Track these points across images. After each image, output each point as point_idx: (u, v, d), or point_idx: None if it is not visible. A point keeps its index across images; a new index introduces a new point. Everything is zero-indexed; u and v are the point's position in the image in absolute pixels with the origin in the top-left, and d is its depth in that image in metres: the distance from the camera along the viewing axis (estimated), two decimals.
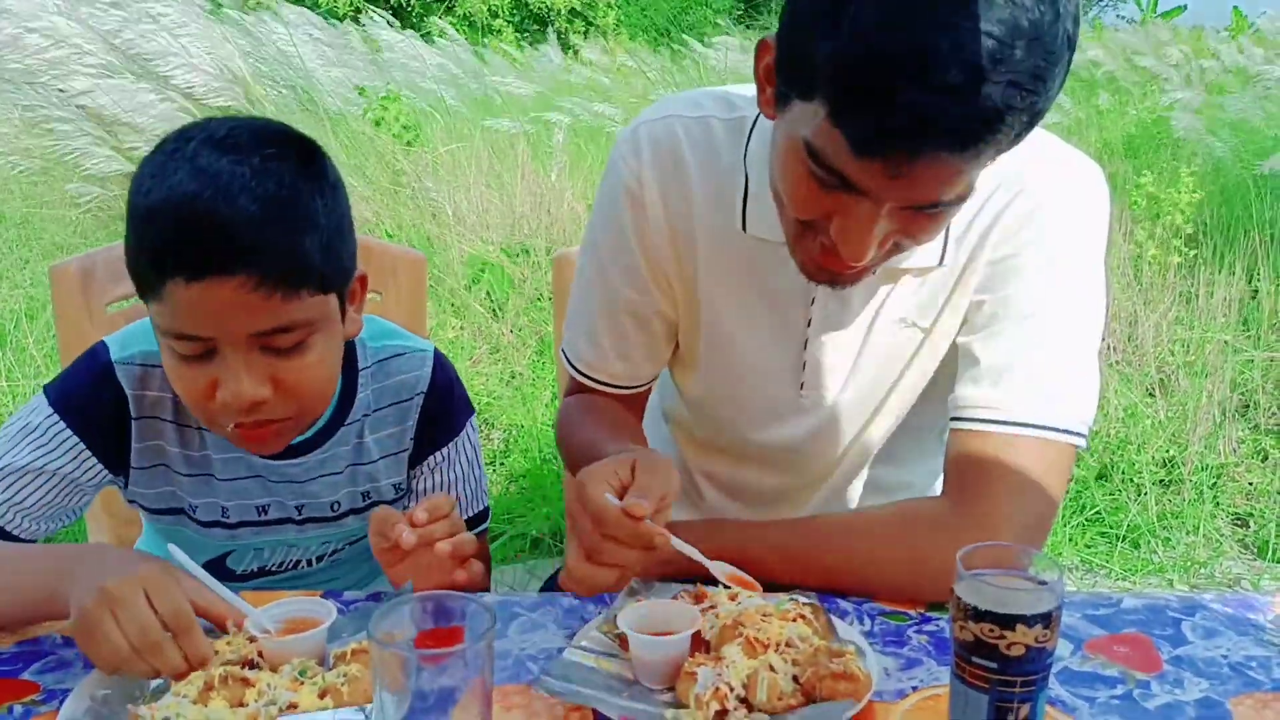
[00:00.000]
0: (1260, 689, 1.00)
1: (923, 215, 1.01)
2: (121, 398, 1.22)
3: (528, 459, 3.76)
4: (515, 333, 4.78)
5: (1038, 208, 1.18)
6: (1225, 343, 4.32)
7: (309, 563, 1.39)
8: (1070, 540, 3.30)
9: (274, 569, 1.38)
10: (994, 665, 0.85)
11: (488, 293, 5.11)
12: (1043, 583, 0.87)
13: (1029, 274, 1.18)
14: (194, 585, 1.03)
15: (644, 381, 1.44)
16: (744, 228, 1.24)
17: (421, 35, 9.64)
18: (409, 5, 16.15)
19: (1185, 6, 16.65)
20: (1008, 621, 0.83)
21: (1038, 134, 1.19)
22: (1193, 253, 4.91)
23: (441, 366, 1.36)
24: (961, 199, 1.00)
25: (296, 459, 1.29)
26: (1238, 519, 3.47)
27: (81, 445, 1.21)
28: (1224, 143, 6.43)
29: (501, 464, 3.77)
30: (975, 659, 0.85)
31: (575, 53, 11.70)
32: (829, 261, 1.07)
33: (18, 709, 0.97)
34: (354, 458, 1.33)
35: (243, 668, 0.96)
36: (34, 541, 1.21)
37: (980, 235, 1.20)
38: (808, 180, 1.00)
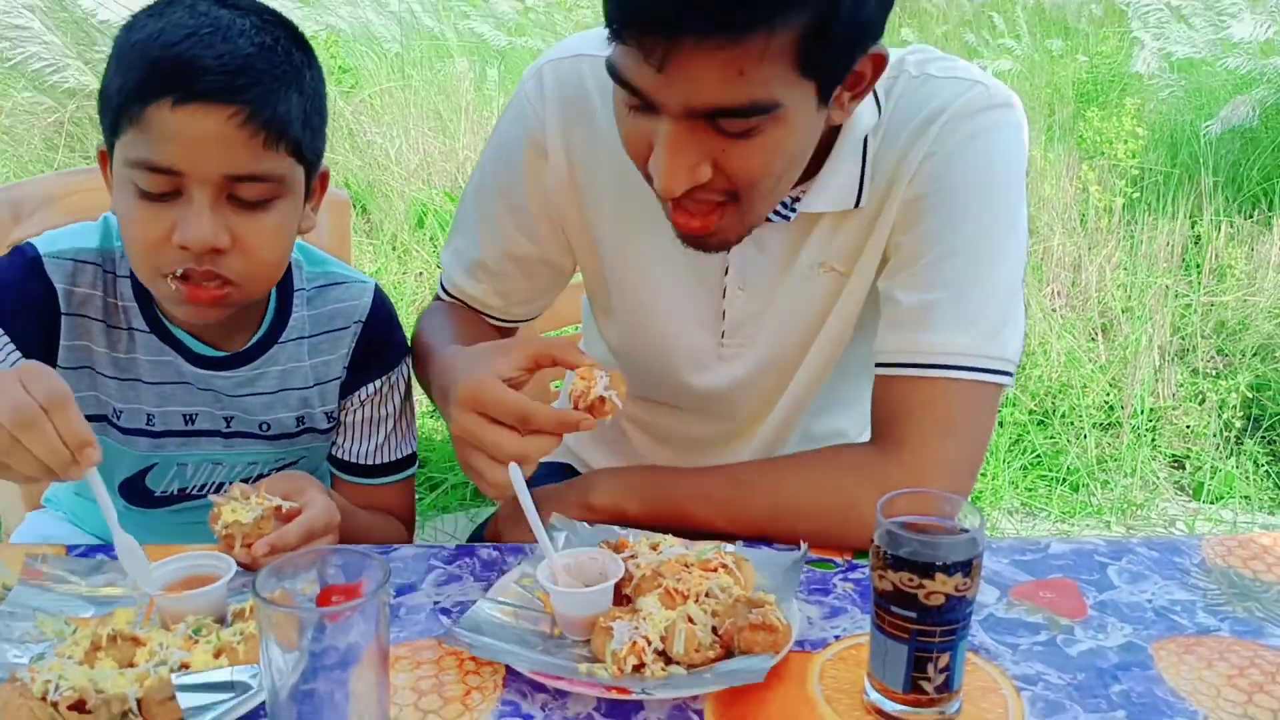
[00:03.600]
0: (1183, 633, 0.99)
1: (729, 138, 0.96)
2: (51, 292, 1.18)
3: None
4: None
5: (952, 140, 1.13)
6: (1166, 287, 4.35)
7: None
8: (1011, 484, 3.32)
9: (194, 492, 1.33)
10: (913, 615, 0.82)
11: (431, 238, 5.01)
12: (963, 530, 0.84)
13: (946, 211, 1.13)
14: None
15: (516, 319, 1.41)
16: None
17: None
18: None
19: None
20: (926, 570, 0.81)
21: (951, 62, 1.16)
22: (1135, 194, 4.93)
23: (382, 300, 1.34)
24: (758, 108, 0.94)
25: (226, 370, 1.25)
26: (1175, 461, 3.52)
27: (5, 338, 1.16)
28: (1174, 86, 6.44)
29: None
30: (894, 608, 0.83)
31: None
32: (679, 222, 1.05)
33: None
34: (286, 380, 1.29)
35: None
36: None
37: (893, 171, 1.16)
38: (623, 110, 1.00)
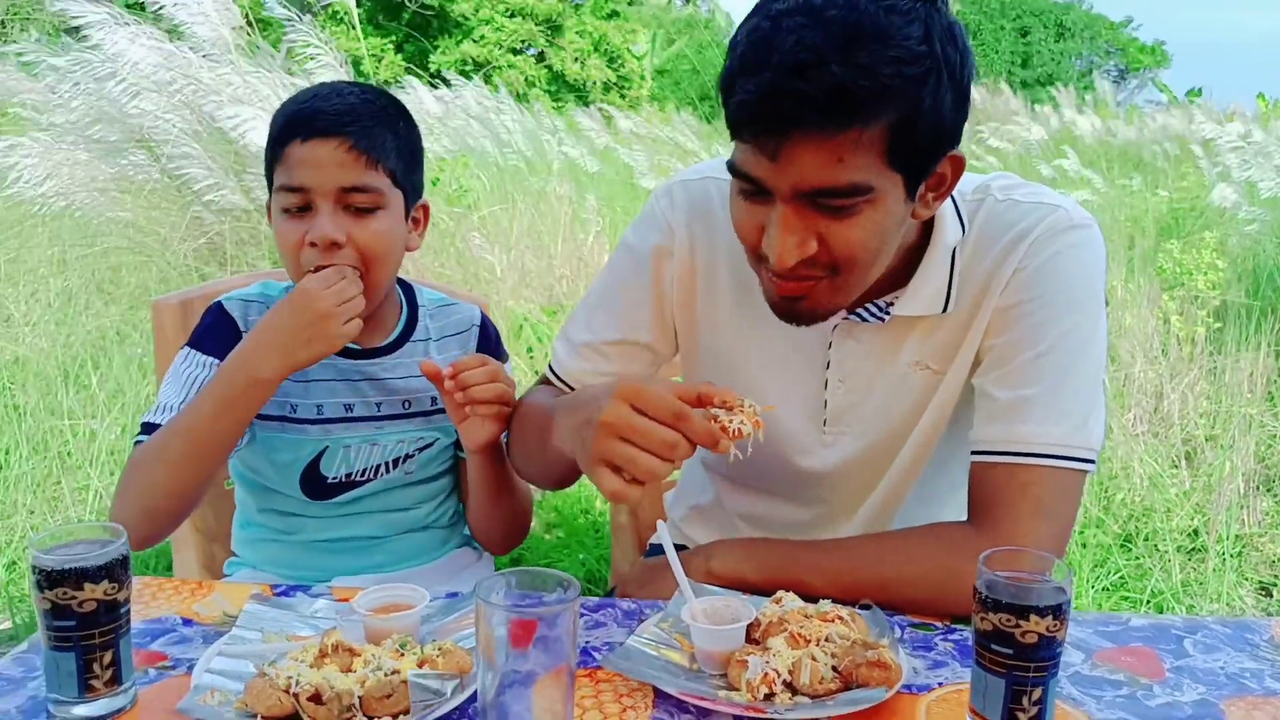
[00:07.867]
0: (1252, 693, 1.11)
1: (829, 215, 1.17)
2: (234, 323, 1.59)
3: (563, 507, 3.88)
4: None
5: (1039, 256, 1.32)
6: (1250, 416, 4.40)
7: (387, 468, 1.64)
8: (1095, 604, 3.37)
9: (359, 478, 1.62)
10: (1010, 652, 0.97)
11: (528, 349, 5.28)
12: (1052, 581, 0.99)
13: (1037, 317, 1.31)
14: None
15: None
16: None
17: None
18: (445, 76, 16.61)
19: (1201, 90, 16.94)
20: (1023, 612, 0.96)
21: (1033, 188, 1.37)
22: (1217, 325, 5.00)
23: (487, 317, 1.76)
24: (855, 189, 1.15)
25: (377, 359, 1.63)
26: (1262, 588, 3.53)
27: (218, 362, 1.52)
28: (1258, 220, 6.54)
29: (537, 513, 3.90)
30: (994, 646, 0.98)
31: (609, 121, 12.03)
32: (781, 289, 1.25)
33: (152, 671, 1.11)
34: None
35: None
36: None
37: (985, 285, 1.34)
38: (739, 199, 1.23)
